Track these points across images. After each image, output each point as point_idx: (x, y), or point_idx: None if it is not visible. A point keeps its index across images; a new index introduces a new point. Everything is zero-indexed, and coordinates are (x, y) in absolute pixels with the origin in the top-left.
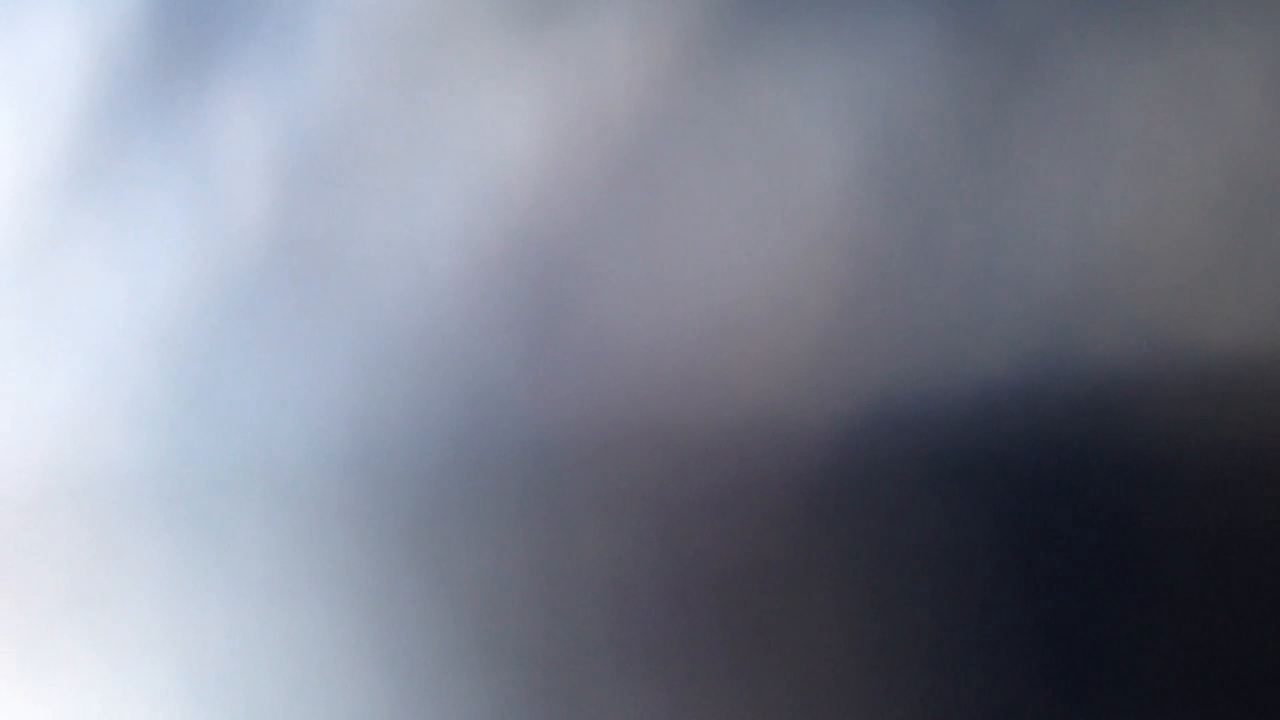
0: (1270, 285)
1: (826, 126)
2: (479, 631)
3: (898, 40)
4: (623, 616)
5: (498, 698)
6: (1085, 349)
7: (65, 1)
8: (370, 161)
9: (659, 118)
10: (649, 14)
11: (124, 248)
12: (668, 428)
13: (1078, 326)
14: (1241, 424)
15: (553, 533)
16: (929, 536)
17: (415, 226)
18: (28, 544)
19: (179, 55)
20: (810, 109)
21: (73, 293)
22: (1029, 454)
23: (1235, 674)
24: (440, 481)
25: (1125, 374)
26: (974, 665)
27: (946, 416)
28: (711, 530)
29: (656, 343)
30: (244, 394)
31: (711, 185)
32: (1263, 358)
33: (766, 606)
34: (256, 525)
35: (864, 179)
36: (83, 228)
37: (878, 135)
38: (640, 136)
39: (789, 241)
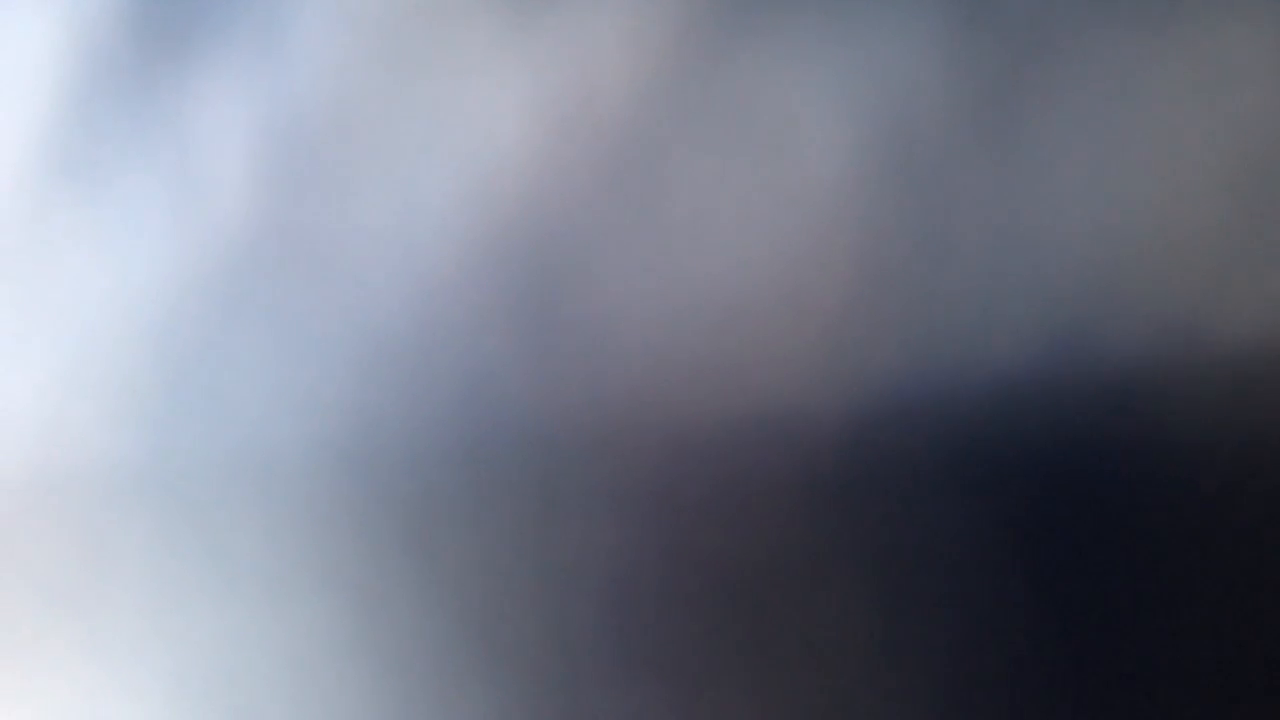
0: None
1: (832, 112)
2: (477, 630)
3: (904, 26)
4: (625, 615)
5: (496, 697)
6: (1100, 340)
7: None
8: (360, 149)
9: (658, 104)
10: None
11: (108, 238)
12: (670, 421)
13: (1092, 317)
14: (1258, 416)
15: (552, 529)
16: (941, 532)
17: (407, 215)
18: (12, 540)
19: (161, 41)
20: (814, 94)
21: (56, 284)
22: (1043, 447)
23: (1257, 667)
24: (437, 476)
25: (1140, 365)
26: (987, 662)
27: (958, 410)
28: (716, 527)
29: (658, 334)
30: (233, 387)
31: (713, 173)
32: (1278, 349)
33: (774, 604)
34: (247, 520)
35: (870, 168)
36: (65, 218)
37: (884, 123)
38: (639, 123)
39: (795, 231)
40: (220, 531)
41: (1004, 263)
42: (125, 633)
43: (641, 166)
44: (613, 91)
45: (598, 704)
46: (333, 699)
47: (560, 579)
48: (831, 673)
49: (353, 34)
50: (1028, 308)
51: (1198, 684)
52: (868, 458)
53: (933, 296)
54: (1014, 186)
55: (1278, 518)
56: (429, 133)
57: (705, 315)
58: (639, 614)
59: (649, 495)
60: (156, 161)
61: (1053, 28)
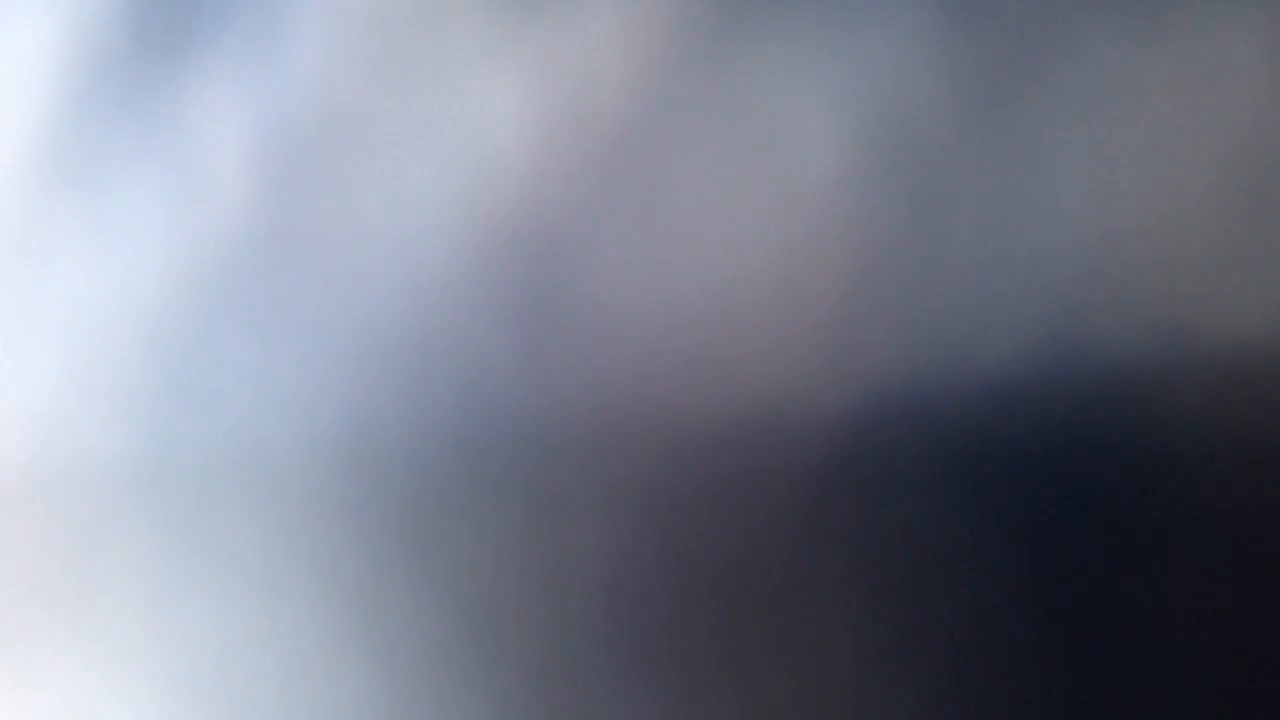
0: None
1: (829, 109)
2: (473, 628)
3: (901, 21)
4: (622, 613)
5: (492, 696)
6: (1096, 338)
7: None
8: (357, 145)
9: (655, 101)
10: None
11: (104, 235)
12: (667, 418)
13: (1088, 315)
14: (1254, 414)
15: (550, 526)
16: (939, 531)
17: (404, 212)
18: (9, 539)
19: (157, 38)
20: (812, 91)
21: (51, 281)
22: (1039, 445)
23: (1256, 667)
24: (433, 473)
25: (1138, 365)
26: (985, 660)
27: (956, 408)
28: (713, 524)
29: (655, 331)
30: (230, 384)
31: (710, 170)
32: (1275, 348)
33: (770, 603)
34: (243, 519)
35: (868, 163)
36: (61, 215)
37: (882, 118)
38: (635, 121)
39: (791, 227)
40: (217, 529)
41: (1001, 261)
42: (122, 631)
43: (638, 164)
44: (609, 89)
45: (597, 703)
46: (330, 697)
47: (558, 577)
48: (829, 671)
49: (350, 33)
50: (1025, 306)
51: (1196, 684)
52: (865, 456)
53: (930, 295)
54: (1011, 185)
55: (1276, 518)
56: (426, 131)
57: (702, 312)
58: (638, 612)
59: (647, 493)
60: (155, 161)
61: (1050, 26)
